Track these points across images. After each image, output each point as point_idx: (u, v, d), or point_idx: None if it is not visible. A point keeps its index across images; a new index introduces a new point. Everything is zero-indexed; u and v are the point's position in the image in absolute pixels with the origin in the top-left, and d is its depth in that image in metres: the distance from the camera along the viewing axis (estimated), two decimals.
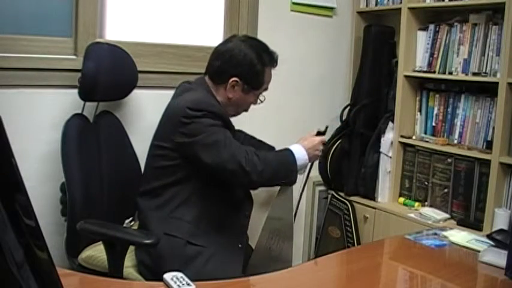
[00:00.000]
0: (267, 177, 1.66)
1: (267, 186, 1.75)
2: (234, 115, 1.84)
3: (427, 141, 2.37)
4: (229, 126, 1.71)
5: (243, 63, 1.71)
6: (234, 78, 1.71)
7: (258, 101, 1.84)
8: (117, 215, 1.86)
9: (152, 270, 1.59)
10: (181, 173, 1.65)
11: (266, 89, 1.81)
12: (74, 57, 1.96)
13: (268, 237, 2.02)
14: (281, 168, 1.70)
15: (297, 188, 1.86)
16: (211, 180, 1.67)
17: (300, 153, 1.73)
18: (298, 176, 1.75)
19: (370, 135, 2.55)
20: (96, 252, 1.72)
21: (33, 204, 0.55)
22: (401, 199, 2.49)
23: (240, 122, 1.94)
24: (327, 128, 1.90)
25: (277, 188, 1.86)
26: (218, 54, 1.75)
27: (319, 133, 1.85)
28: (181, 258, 1.59)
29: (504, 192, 2.08)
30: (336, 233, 2.62)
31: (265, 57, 1.75)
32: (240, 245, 1.75)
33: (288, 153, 1.73)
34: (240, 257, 1.72)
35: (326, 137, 1.90)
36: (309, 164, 1.81)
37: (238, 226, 1.79)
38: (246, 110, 1.85)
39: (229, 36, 1.86)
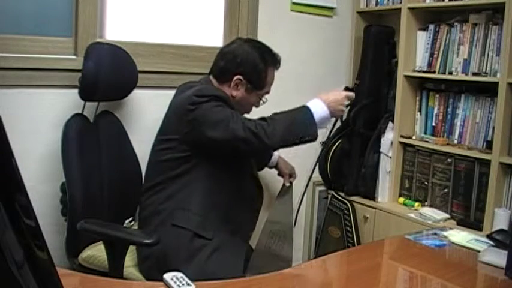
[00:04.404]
0: (280, 135, 1.60)
1: (286, 146, 1.66)
2: None
3: (427, 141, 2.37)
4: (233, 109, 1.68)
5: (246, 62, 1.75)
6: (237, 77, 1.75)
7: (261, 102, 1.85)
8: (117, 215, 1.87)
9: (159, 263, 1.60)
10: (190, 163, 1.67)
11: (268, 92, 1.83)
12: (74, 57, 1.96)
13: (268, 237, 2.02)
14: (295, 124, 1.62)
15: (298, 190, 1.84)
16: (220, 170, 1.68)
17: (318, 106, 1.66)
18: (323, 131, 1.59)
19: (370, 135, 2.54)
20: (96, 252, 1.72)
21: (33, 204, 0.55)
22: (401, 199, 2.48)
23: None
24: (356, 85, 1.82)
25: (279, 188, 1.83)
26: (222, 55, 1.81)
27: (346, 89, 1.75)
28: (186, 251, 1.62)
29: (504, 192, 2.08)
30: (336, 233, 2.62)
31: (268, 58, 1.79)
32: (244, 240, 1.76)
33: (302, 108, 1.66)
34: (243, 252, 1.73)
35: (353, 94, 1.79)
36: (328, 129, 1.71)
37: (245, 221, 1.80)
38: (248, 112, 1.86)
39: (233, 39, 1.91)
